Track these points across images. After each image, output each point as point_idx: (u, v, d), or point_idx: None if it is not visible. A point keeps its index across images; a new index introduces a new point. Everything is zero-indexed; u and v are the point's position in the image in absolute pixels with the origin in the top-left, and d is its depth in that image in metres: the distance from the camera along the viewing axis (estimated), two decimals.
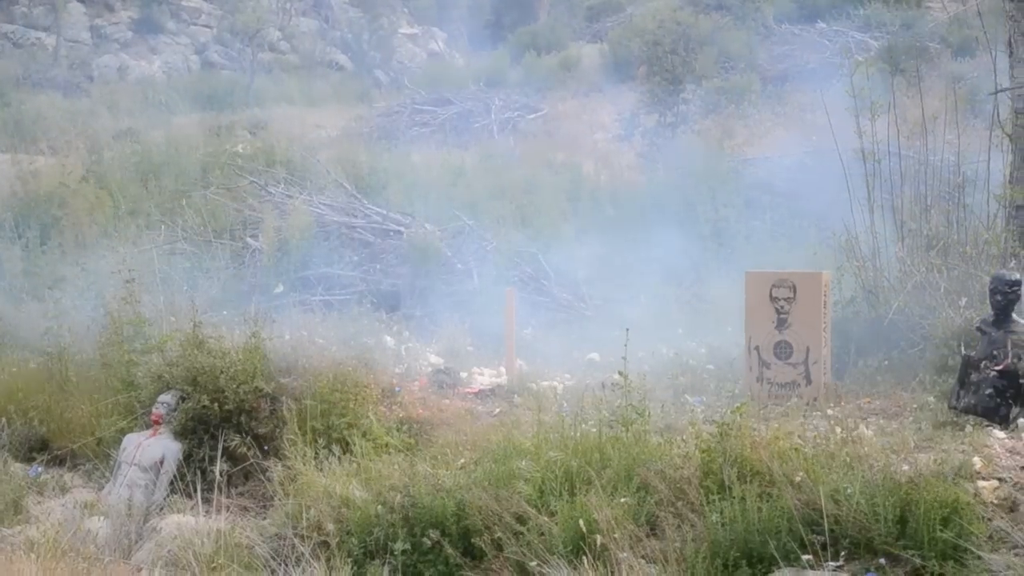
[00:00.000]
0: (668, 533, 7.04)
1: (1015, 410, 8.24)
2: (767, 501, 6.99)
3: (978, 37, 20.09)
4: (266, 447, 9.25)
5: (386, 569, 7.55)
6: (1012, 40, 11.00)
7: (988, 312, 8.85)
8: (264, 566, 7.78)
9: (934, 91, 19.01)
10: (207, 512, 8.43)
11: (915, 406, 9.08)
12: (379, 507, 7.79)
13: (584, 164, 20.54)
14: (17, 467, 9.89)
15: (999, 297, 8.61)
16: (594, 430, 8.15)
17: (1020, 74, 10.87)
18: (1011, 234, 10.56)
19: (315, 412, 9.15)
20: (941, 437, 8.09)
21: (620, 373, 8.33)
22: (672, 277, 13.18)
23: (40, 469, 9.88)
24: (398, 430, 9.36)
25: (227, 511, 8.59)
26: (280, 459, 8.81)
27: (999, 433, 8.09)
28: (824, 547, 6.72)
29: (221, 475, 8.85)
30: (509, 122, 25.67)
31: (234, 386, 9.34)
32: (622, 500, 7.26)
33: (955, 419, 8.48)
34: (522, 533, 7.30)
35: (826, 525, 6.72)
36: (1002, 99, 11.02)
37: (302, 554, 7.58)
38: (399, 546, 7.59)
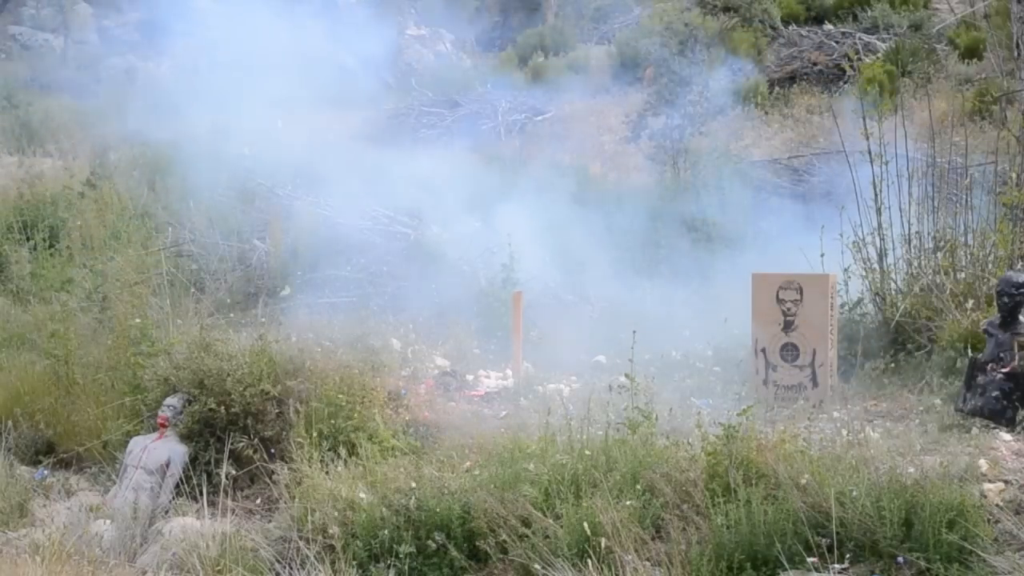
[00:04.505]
0: (673, 536, 7.04)
1: (1021, 412, 8.23)
2: (773, 504, 7.00)
3: (986, 39, 20.05)
4: (272, 450, 9.25)
5: (391, 572, 7.56)
6: (1020, 42, 10.98)
7: (995, 314, 8.85)
8: (269, 569, 7.79)
9: (941, 93, 19.03)
10: (212, 515, 8.43)
11: (921, 409, 9.08)
12: (384, 510, 7.78)
13: (591, 166, 20.50)
14: (23, 470, 9.91)
15: (1006, 299, 8.61)
16: (600, 433, 8.15)
17: None
18: (1018, 236, 10.54)
19: (321, 415, 9.14)
20: (947, 440, 8.10)
21: (627, 375, 8.33)
22: (679, 279, 13.16)
23: (46, 472, 9.89)
24: (404, 433, 9.36)
25: (232, 514, 8.59)
26: (286, 462, 8.80)
27: (1005, 435, 8.09)
28: (830, 549, 6.72)
29: (227, 478, 8.85)
30: (516, 124, 25.62)
31: (240, 389, 9.33)
32: (627, 503, 7.26)
33: (961, 421, 8.48)
34: (527, 536, 7.30)
35: (832, 528, 6.72)
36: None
37: (307, 557, 7.59)
38: (404, 549, 7.59)
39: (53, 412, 10.61)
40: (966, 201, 11.12)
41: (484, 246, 13.33)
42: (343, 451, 8.69)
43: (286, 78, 15.85)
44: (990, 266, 10.39)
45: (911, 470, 7.19)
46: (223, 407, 9.33)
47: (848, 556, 6.73)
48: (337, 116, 16.67)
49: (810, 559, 6.75)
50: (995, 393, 8.37)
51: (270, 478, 8.90)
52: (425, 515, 7.72)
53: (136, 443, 9.57)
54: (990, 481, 7.28)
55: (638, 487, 7.44)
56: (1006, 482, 7.31)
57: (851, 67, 24.18)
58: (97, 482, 9.92)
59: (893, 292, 10.86)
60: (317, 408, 9.17)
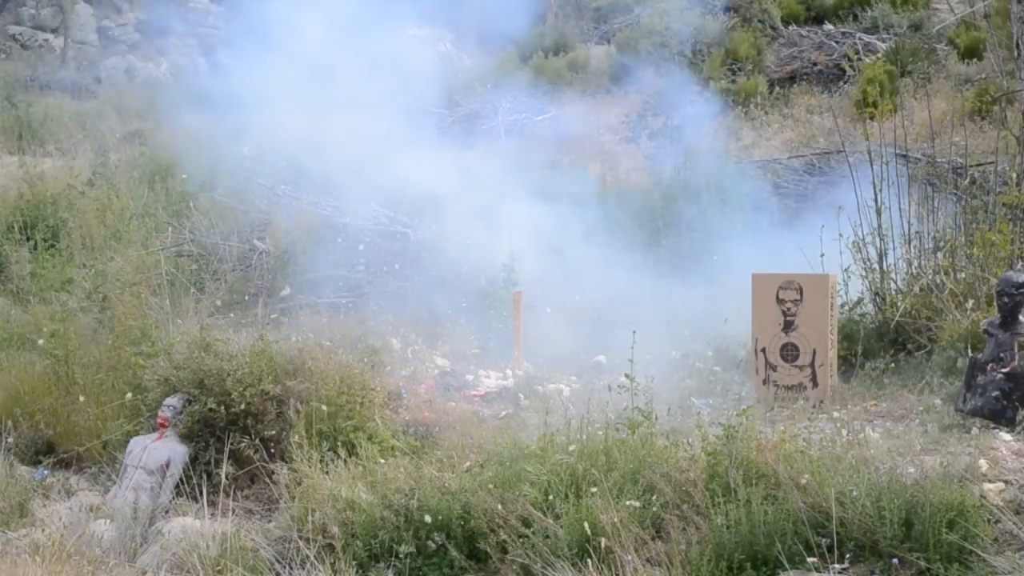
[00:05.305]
0: (673, 536, 7.03)
1: (1021, 412, 8.23)
2: (773, 504, 7.00)
3: (986, 39, 20.05)
4: (272, 450, 9.24)
5: (391, 572, 7.55)
6: (1020, 42, 10.98)
7: (995, 314, 8.84)
8: (269, 569, 7.78)
9: (941, 93, 19.04)
10: (212, 515, 8.42)
11: (921, 409, 9.08)
12: (384, 510, 7.78)
13: (591, 166, 20.49)
14: (23, 470, 9.90)
15: (1006, 299, 8.60)
16: (600, 433, 8.14)
17: None
18: (1018, 236, 10.54)
19: (321, 415, 9.13)
20: (947, 440, 8.10)
21: (627, 375, 8.32)
22: (679, 279, 13.16)
23: (46, 472, 9.89)
24: (404, 433, 9.36)
25: (232, 514, 8.58)
26: (286, 462, 8.79)
27: (1005, 435, 8.09)
28: (830, 549, 6.72)
29: (227, 478, 8.84)
30: (516, 124, 25.59)
31: (240, 389, 9.32)
32: (627, 503, 7.25)
33: (961, 422, 8.48)
34: (527, 536, 7.29)
35: (832, 528, 6.71)
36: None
37: (307, 557, 7.58)
38: (404, 549, 7.58)
39: (53, 412, 10.60)
40: (966, 201, 11.13)
41: (484, 246, 13.32)
42: (343, 451, 8.69)
43: (285, 77, 15.80)
44: (990, 266, 10.39)
45: (911, 470, 7.19)
46: (223, 407, 9.33)
47: (848, 556, 6.73)
48: (337, 116, 16.63)
49: (810, 559, 6.75)
50: (995, 393, 8.37)
51: (270, 478, 8.89)
52: (426, 515, 7.71)
53: (136, 443, 9.57)
54: (990, 481, 7.28)
55: (638, 487, 7.44)
56: (1006, 482, 7.31)
57: (851, 67, 24.17)
58: (97, 482, 9.91)
59: (893, 292, 10.86)
60: (317, 408, 9.16)
